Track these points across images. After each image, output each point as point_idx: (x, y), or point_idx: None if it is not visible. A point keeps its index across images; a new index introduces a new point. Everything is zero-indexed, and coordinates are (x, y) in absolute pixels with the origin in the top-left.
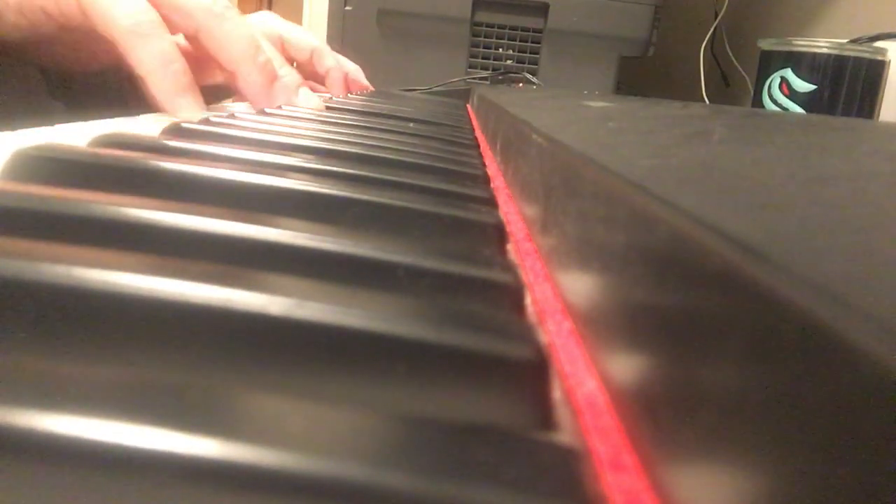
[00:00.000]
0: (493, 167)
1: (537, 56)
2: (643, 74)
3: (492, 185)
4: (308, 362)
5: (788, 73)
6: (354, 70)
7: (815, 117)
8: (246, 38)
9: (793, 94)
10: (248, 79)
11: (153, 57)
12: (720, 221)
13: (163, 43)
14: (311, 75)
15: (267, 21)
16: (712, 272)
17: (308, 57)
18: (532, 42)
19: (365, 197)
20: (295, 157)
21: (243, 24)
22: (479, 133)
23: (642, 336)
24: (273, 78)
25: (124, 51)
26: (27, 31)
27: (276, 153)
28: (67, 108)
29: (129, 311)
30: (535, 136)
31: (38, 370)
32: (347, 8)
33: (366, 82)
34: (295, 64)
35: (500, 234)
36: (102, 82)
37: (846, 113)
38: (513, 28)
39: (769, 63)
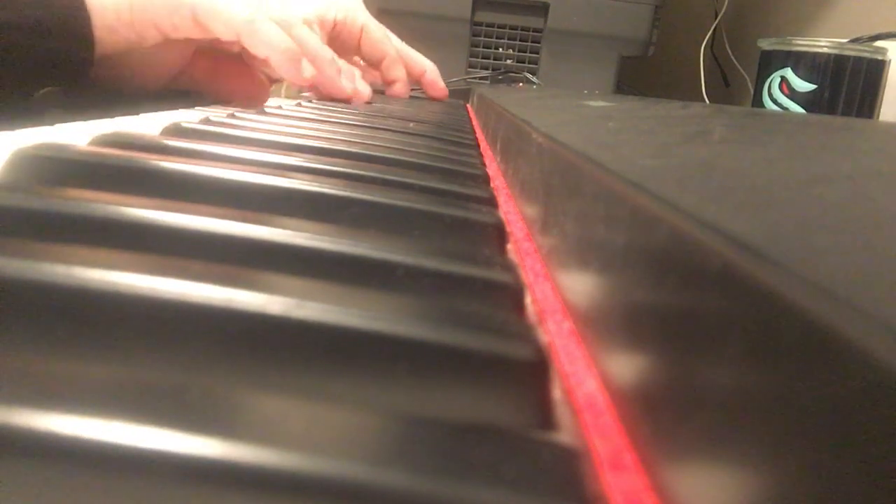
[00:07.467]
0: (493, 167)
1: (537, 56)
2: (643, 74)
3: (492, 184)
4: (308, 362)
5: (788, 73)
6: (431, 70)
7: (815, 117)
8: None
9: (793, 94)
10: (296, 82)
11: (270, 39)
12: (720, 221)
13: (274, 28)
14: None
15: (349, 6)
16: (712, 272)
17: (378, 61)
18: (532, 42)
19: (365, 196)
20: (294, 156)
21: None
22: (479, 133)
23: (642, 336)
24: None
25: (245, 39)
26: (131, 46)
27: (275, 152)
28: None
29: (129, 311)
30: (535, 136)
31: (38, 370)
32: None
33: (442, 85)
34: (361, 62)
35: (500, 234)
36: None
37: (846, 113)
38: (513, 28)
39: (769, 63)
